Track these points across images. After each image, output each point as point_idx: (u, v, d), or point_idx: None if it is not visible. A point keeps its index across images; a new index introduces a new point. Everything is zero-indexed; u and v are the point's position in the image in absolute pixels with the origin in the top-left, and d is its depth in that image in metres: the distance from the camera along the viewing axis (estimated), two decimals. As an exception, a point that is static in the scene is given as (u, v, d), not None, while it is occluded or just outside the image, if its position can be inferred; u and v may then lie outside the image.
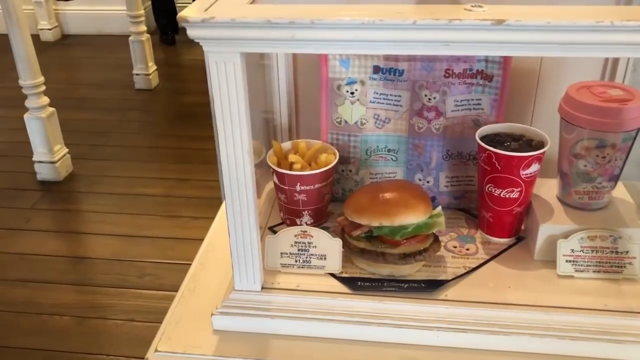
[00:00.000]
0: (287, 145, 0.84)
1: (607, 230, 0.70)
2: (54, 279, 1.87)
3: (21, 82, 2.17)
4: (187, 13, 0.54)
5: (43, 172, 2.35)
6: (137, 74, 3.15)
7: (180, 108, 2.99)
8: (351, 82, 0.80)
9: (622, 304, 0.67)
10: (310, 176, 0.77)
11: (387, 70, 0.79)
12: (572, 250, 0.71)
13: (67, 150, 2.42)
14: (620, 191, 0.79)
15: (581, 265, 0.71)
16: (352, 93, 0.80)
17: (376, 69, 0.79)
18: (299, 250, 0.73)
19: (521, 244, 0.78)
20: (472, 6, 0.53)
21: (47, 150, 2.32)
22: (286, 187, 0.79)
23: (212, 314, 0.70)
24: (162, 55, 3.46)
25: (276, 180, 0.80)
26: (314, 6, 0.54)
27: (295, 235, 0.73)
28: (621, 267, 0.71)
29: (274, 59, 0.87)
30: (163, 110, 3.00)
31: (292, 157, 0.79)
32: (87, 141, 2.65)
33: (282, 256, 0.73)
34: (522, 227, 0.79)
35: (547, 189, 0.79)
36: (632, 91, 0.71)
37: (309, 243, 0.73)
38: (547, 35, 0.51)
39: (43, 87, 2.22)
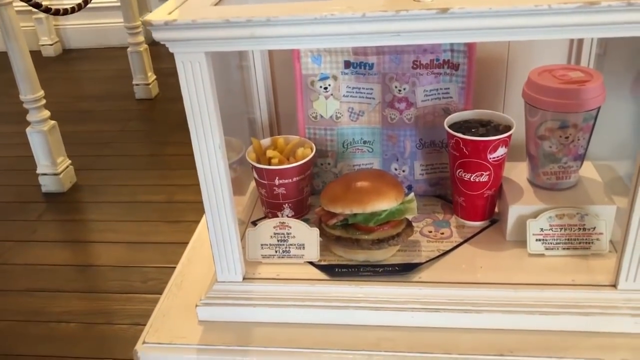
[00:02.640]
0: (266, 141, 0.87)
1: (575, 208, 0.73)
2: (61, 288, 1.91)
3: (22, 97, 2.22)
4: (152, 17, 0.57)
5: (47, 184, 2.40)
6: (137, 84, 3.20)
7: (180, 116, 3.00)
8: (324, 78, 0.83)
9: (589, 279, 0.69)
10: (287, 170, 0.80)
11: (358, 64, 0.82)
12: (542, 229, 0.73)
13: (70, 162, 2.47)
14: (589, 171, 0.81)
15: (551, 243, 0.73)
16: (326, 88, 0.83)
17: (347, 64, 0.82)
18: (278, 241, 0.76)
19: (494, 226, 0.80)
20: (420, -3, 0.56)
21: (50, 162, 2.37)
22: (266, 182, 0.82)
23: (196, 305, 0.73)
24: (162, 65, 3.51)
25: (256, 176, 0.83)
26: (271, 5, 0.57)
27: (274, 227, 0.76)
28: (589, 243, 0.73)
29: (251, 59, 0.90)
30: (164, 118, 3.04)
31: (269, 153, 0.82)
32: (89, 152, 2.70)
33: (262, 247, 0.76)
34: (497, 210, 0.82)
35: (518, 171, 0.81)
36: (592, 73, 0.73)
37: (288, 234, 0.76)
38: (490, 20, 0.53)
39: (43, 101, 2.27)
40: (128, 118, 3.02)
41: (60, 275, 1.97)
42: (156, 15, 0.57)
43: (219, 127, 0.64)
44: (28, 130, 2.28)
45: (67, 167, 2.42)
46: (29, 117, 2.26)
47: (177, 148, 2.70)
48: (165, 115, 3.04)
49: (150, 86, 3.16)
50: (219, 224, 0.69)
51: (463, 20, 0.54)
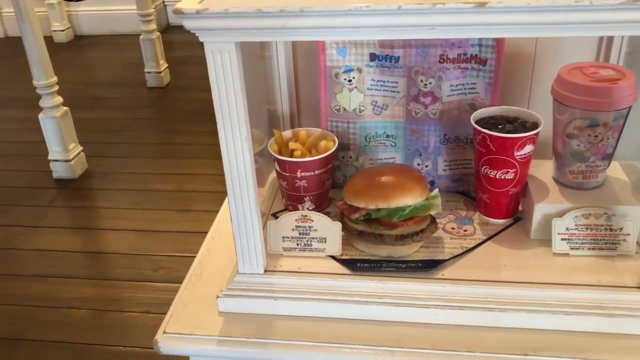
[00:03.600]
0: (287, 133, 0.86)
1: (601, 208, 0.72)
2: (71, 274, 1.92)
3: (35, 83, 2.22)
4: (183, 5, 0.56)
5: (59, 171, 2.40)
6: (148, 72, 3.19)
7: (192, 105, 3.02)
8: (348, 70, 0.82)
9: (615, 280, 0.69)
10: (310, 162, 0.79)
11: (383, 57, 0.81)
12: (567, 228, 0.72)
13: (81, 148, 2.47)
14: (616, 170, 0.80)
15: (576, 242, 0.72)
16: (350, 81, 0.82)
17: (372, 57, 0.81)
18: (300, 234, 0.75)
19: (518, 224, 0.79)
20: (457, -10, 0.55)
21: (62, 148, 2.37)
22: (287, 174, 0.81)
23: (217, 297, 0.72)
24: (174, 53, 3.50)
25: (277, 168, 0.82)
26: (305, -5, 0.56)
27: (296, 220, 0.75)
28: (615, 243, 0.72)
29: (274, 50, 0.89)
30: (175, 107, 3.04)
31: (292, 145, 0.81)
32: (101, 139, 2.70)
33: (284, 240, 0.75)
34: (520, 208, 0.81)
35: (544, 169, 0.81)
36: (623, 71, 0.72)
37: (310, 227, 0.75)
38: (528, 16, 0.52)
39: (56, 87, 2.27)
40: (139, 106, 3.02)
41: (70, 261, 1.97)
42: (187, 4, 0.56)
43: (246, 119, 0.63)
44: (40, 116, 2.28)
45: (79, 153, 2.42)
46: (42, 103, 2.26)
47: (188, 137, 2.70)
48: (176, 104, 3.04)
49: (162, 74, 3.16)
50: (242, 216, 0.69)
51: (500, 15, 0.53)
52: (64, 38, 3.89)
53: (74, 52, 3.80)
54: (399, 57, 0.80)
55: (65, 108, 2.32)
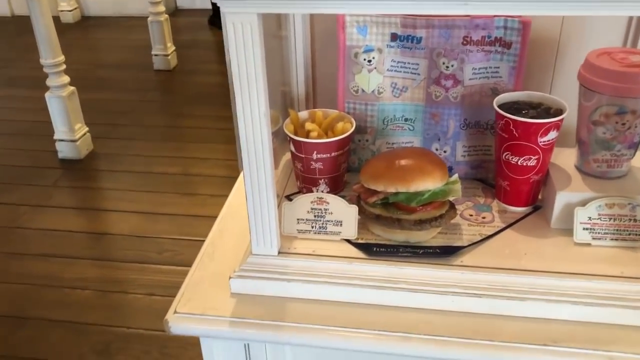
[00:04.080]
0: (304, 114, 0.84)
1: (626, 198, 0.70)
2: (76, 254, 1.91)
3: (42, 61, 2.20)
4: (205, -27, 0.54)
5: (64, 151, 2.39)
6: (155, 55, 3.17)
7: (198, 88, 3.00)
8: (368, 50, 0.80)
9: (639, 271, 0.67)
10: (326, 144, 0.78)
11: (405, 37, 0.79)
12: (590, 218, 0.71)
13: (87, 129, 2.46)
14: (640, 160, 0.78)
15: (598, 233, 0.71)
16: (370, 61, 0.80)
17: (394, 37, 0.79)
18: (315, 216, 0.74)
19: (538, 213, 0.78)
20: (491, -35, 0.53)
21: (68, 129, 2.36)
22: (303, 156, 0.79)
23: (229, 277, 0.71)
24: (181, 37, 3.48)
25: (293, 149, 0.80)
26: (331, -34, 0.54)
27: (311, 202, 0.73)
28: (639, 235, 0.70)
29: (291, 29, 0.87)
30: (182, 90, 3.02)
31: (309, 126, 0.80)
32: (107, 120, 2.69)
33: (298, 222, 0.74)
34: (540, 196, 0.79)
35: (565, 157, 0.79)
36: (654, 57, 0.70)
37: (325, 209, 0.73)
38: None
39: (63, 66, 2.25)
40: (146, 88, 3.00)
41: (75, 241, 1.97)
42: (210, -29, 0.54)
43: (265, 94, 0.61)
44: (47, 95, 2.27)
45: (85, 134, 2.41)
46: (49, 82, 2.24)
47: (194, 121, 2.69)
48: (182, 88, 3.02)
49: (169, 57, 3.14)
50: (258, 196, 0.67)
51: (538, -10, 0.51)
52: (71, 19, 3.87)
53: (81, 32, 3.77)
54: (421, 38, 0.78)
55: (72, 88, 2.31)
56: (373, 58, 0.80)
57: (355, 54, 0.80)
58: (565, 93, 0.79)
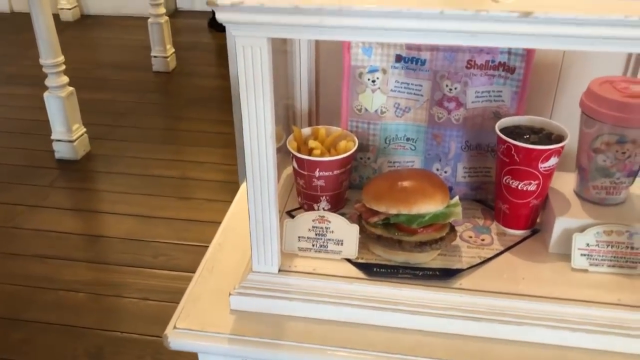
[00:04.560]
0: (307, 131, 0.85)
1: (624, 226, 0.71)
2: (71, 256, 1.91)
3: (42, 61, 2.19)
4: (217, -3, 0.54)
5: (61, 151, 2.39)
6: (155, 56, 3.17)
7: (197, 91, 3.00)
8: (373, 70, 0.80)
9: (636, 299, 0.68)
10: (329, 162, 0.78)
11: (410, 59, 0.79)
12: (588, 244, 0.71)
13: (85, 129, 2.45)
14: (639, 187, 0.79)
15: (596, 259, 0.72)
16: (374, 81, 0.81)
17: (398, 58, 0.79)
18: (316, 234, 0.74)
19: (536, 237, 0.78)
20: (499, -3, 0.54)
21: (66, 129, 2.35)
22: (305, 173, 0.80)
23: (230, 294, 0.71)
24: (181, 39, 3.48)
25: (295, 166, 0.81)
26: (342, -6, 0.55)
27: (313, 220, 0.74)
28: (636, 262, 0.71)
29: (296, 45, 0.88)
30: (180, 93, 3.02)
31: (312, 143, 0.80)
32: (105, 121, 2.68)
33: (299, 240, 0.74)
34: (538, 220, 0.80)
35: (565, 182, 0.79)
36: (655, 87, 0.71)
37: (327, 228, 0.74)
38: (575, 29, 0.51)
39: (63, 67, 2.25)
40: (144, 90, 3.00)
41: (70, 243, 1.96)
42: (222, -5, 0.55)
43: (272, 116, 0.62)
44: (45, 95, 2.26)
45: (82, 134, 2.40)
46: (47, 82, 2.24)
47: (192, 124, 2.69)
48: (181, 90, 3.02)
49: (168, 59, 3.14)
50: (261, 214, 0.67)
51: (545, 26, 0.51)
52: (71, 17, 3.86)
53: (80, 31, 3.77)
54: (425, 60, 0.79)
55: (70, 88, 2.30)
56: (377, 78, 0.81)
57: (360, 74, 0.81)
58: (566, 118, 0.80)
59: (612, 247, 0.71)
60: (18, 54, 3.30)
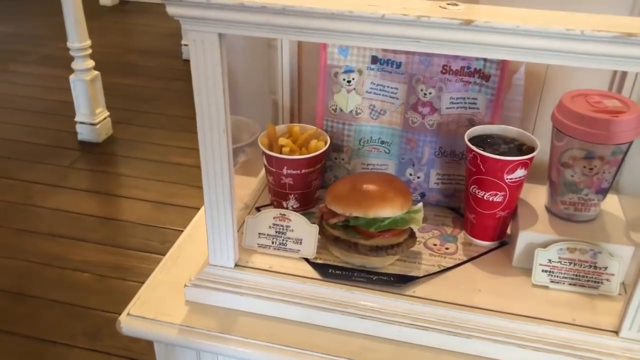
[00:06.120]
0: (282, 128, 0.85)
1: (588, 244, 0.69)
2: (82, 237, 1.96)
3: (69, 44, 2.25)
4: (167, -9, 0.55)
5: (83, 133, 2.45)
6: (185, 45, 3.21)
7: (223, 82, 3.02)
8: (348, 71, 0.80)
9: (591, 320, 0.66)
10: (296, 161, 0.78)
11: (385, 61, 0.78)
12: (550, 260, 0.69)
13: (108, 113, 2.50)
14: (613, 205, 0.76)
15: (557, 276, 0.70)
16: (349, 82, 0.80)
17: (374, 59, 0.79)
18: (276, 232, 0.74)
19: (502, 249, 0.77)
20: (448, 4, 0.53)
21: (89, 112, 2.41)
22: (274, 170, 0.80)
23: (185, 285, 0.72)
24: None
25: (265, 162, 0.81)
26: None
27: (274, 218, 0.74)
28: (598, 282, 0.69)
29: (278, 40, 0.88)
30: (206, 82, 3.04)
31: (281, 141, 0.80)
32: (129, 106, 2.73)
33: (259, 236, 0.75)
34: (508, 232, 0.78)
35: (538, 195, 0.77)
36: (629, 103, 0.68)
37: (287, 226, 0.74)
38: (516, 39, 0.50)
39: (89, 51, 2.30)
40: (171, 77, 3.04)
41: (84, 224, 2.01)
42: (172, -10, 0.55)
43: (226, 111, 0.62)
44: (71, 77, 2.32)
45: (105, 118, 2.46)
46: (74, 65, 2.29)
47: (216, 113, 2.71)
48: (208, 79, 3.05)
49: (198, 48, 3.17)
50: (216, 208, 0.68)
51: (487, 35, 0.50)
52: (109, 2, 3.94)
53: (117, 16, 3.85)
54: (400, 63, 0.78)
55: (96, 72, 2.35)
56: (353, 79, 0.80)
57: (335, 74, 0.80)
58: (548, 131, 0.78)
59: (574, 265, 0.69)
60: (54, 36, 3.39)
